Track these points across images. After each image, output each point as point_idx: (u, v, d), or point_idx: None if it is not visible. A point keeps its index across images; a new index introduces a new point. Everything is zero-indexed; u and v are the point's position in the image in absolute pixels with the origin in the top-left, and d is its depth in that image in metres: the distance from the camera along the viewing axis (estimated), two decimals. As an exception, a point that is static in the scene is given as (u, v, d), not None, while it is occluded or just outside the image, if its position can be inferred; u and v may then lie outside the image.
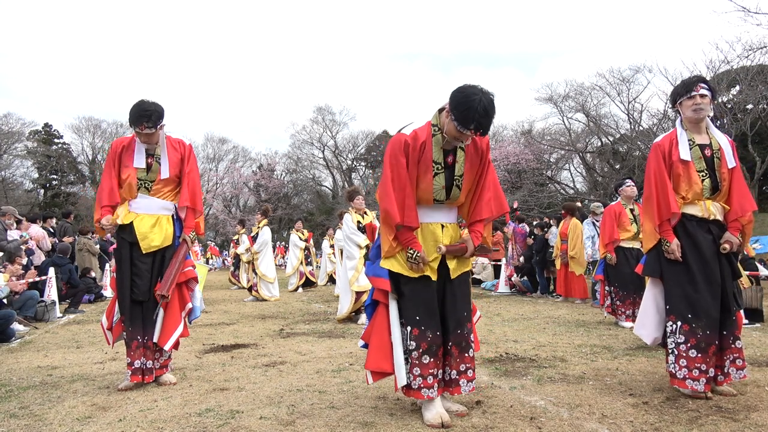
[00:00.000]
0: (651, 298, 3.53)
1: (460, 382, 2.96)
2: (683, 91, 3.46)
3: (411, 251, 2.91)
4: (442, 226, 3.04)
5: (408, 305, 2.94)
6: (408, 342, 2.92)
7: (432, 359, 2.91)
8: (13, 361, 4.87)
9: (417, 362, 2.90)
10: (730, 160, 3.41)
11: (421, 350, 2.89)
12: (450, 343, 2.97)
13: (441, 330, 2.95)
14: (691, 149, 3.41)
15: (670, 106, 3.74)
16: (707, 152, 3.42)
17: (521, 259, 11.48)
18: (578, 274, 9.37)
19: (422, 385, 2.88)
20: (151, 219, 3.82)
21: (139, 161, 3.82)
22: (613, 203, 6.82)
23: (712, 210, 3.41)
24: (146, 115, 3.70)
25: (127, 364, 3.73)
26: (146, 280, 3.77)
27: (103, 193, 3.83)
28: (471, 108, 2.72)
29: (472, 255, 3.07)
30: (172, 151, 3.92)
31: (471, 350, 3.02)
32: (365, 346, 3.10)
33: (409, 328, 2.93)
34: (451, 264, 3.01)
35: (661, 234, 3.40)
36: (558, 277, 9.82)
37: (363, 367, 4.22)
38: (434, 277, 2.95)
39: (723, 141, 3.48)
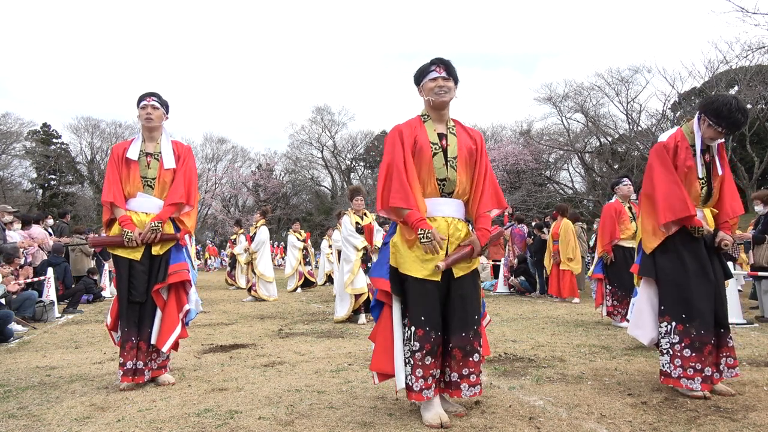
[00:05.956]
0: (646, 298, 3.53)
1: (461, 386, 2.93)
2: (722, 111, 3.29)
3: (422, 232, 2.86)
4: (449, 222, 3.01)
5: (413, 305, 2.91)
6: (412, 343, 2.89)
7: (433, 360, 2.90)
8: (12, 361, 4.86)
9: (420, 363, 2.87)
10: (719, 168, 3.45)
11: (424, 351, 2.87)
12: (451, 345, 2.93)
13: (442, 330, 2.94)
14: (695, 156, 3.42)
15: (699, 115, 3.49)
16: (706, 158, 3.46)
17: (516, 260, 11.49)
18: (577, 272, 9.39)
19: (423, 387, 2.85)
20: (147, 219, 3.81)
21: (133, 152, 3.82)
22: (611, 201, 6.82)
23: (707, 215, 3.47)
24: (154, 93, 3.92)
25: (119, 365, 3.73)
26: (143, 282, 3.76)
27: (111, 192, 3.77)
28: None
29: (480, 254, 3.03)
30: (174, 146, 3.96)
31: (476, 355, 2.96)
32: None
33: (413, 329, 2.89)
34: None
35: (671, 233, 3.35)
36: (551, 277, 9.82)
37: (361, 367, 4.23)
38: (438, 277, 2.92)
39: (714, 147, 3.51)
